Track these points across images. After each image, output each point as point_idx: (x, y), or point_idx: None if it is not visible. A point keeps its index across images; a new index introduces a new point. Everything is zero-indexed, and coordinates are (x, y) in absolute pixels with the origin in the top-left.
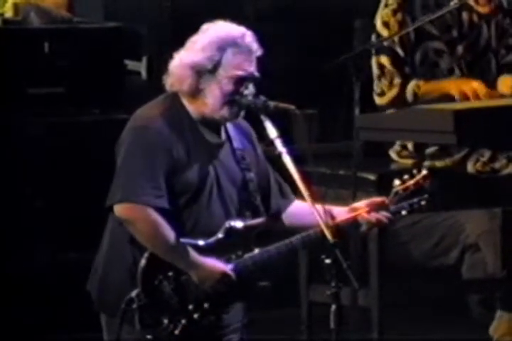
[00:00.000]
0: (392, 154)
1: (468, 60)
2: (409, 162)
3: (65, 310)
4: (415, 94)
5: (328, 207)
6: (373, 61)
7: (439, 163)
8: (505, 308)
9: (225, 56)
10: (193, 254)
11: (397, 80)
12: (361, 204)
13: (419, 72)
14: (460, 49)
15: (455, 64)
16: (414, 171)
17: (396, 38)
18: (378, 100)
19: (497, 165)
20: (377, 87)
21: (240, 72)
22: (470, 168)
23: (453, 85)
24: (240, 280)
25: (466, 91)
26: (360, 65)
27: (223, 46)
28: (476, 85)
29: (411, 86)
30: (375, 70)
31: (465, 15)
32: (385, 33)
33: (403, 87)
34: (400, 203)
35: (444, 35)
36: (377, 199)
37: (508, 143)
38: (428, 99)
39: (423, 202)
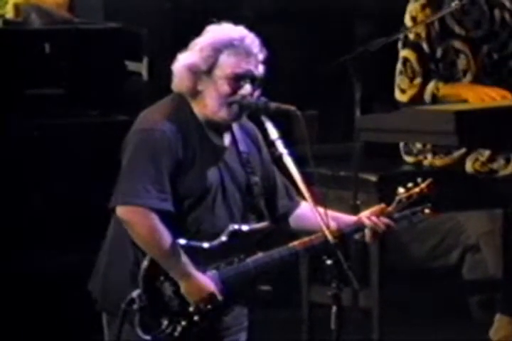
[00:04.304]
0: (401, 145)
1: (494, 60)
2: (411, 159)
3: (66, 311)
4: (434, 96)
5: (335, 213)
6: (400, 55)
7: (438, 162)
8: (505, 312)
9: (221, 57)
10: (187, 265)
11: (418, 80)
12: (366, 213)
13: (440, 69)
14: (485, 48)
15: (471, 66)
16: (419, 180)
17: (423, 34)
18: (400, 96)
19: (495, 165)
20: (401, 83)
21: (235, 70)
22: (469, 167)
23: (471, 93)
24: (241, 284)
25: (485, 99)
26: (361, 66)
27: (219, 47)
28: (492, 93)
29: (430, 87)
30: (399, 65)
31: (497, 12)
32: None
33: (423, 86)
34: (403, 211)
35: (469, 33)
36: (380, 207)
37: (508, 144)
38: (446, 101)
39: (426, 211)
